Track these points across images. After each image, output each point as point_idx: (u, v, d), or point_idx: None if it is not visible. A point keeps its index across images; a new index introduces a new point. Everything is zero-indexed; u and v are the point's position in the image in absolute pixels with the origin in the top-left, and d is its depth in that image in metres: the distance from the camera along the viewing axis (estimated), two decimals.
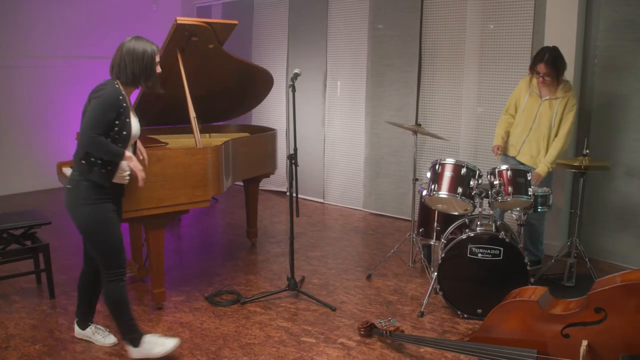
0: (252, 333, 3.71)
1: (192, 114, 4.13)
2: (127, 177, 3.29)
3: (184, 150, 3.90)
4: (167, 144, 4.22)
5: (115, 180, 3.21)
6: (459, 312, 3.94)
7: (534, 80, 4.50)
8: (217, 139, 4.92)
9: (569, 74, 4.91)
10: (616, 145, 4.93)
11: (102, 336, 3.53)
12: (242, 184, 5.34)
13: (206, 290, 4.38)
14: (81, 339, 3.58)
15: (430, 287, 4.07)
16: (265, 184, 7.19)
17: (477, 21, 5.59)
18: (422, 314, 3.97)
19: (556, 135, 4.47)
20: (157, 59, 3.26)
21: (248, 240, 5.54)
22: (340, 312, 4.04)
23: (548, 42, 5.01)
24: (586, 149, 4.26)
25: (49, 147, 7.62)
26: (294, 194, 4.10)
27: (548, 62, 4.30)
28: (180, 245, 5.62)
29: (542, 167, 4.44)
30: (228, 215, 6.70)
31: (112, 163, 3.14)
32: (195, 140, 4.09)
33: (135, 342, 3.30)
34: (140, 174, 3.27)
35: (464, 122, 5.80)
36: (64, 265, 4.86)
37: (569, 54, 4.90)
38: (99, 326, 3.59)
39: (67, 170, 4.79)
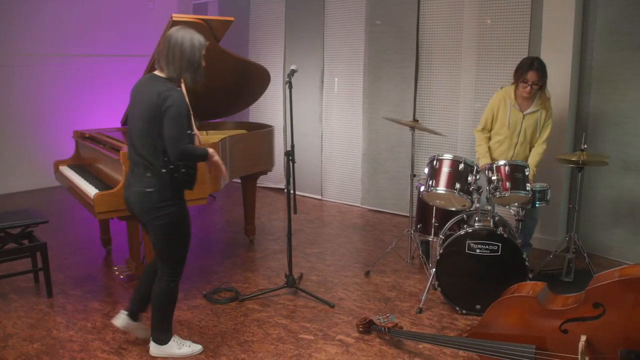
0: (251, 330, 3.70)
1: (189, 111, 4.10)
2: None
3: None
4: None
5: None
6: (457, 308, 3.94)
7: (512, 95, 4.42)
8: (214, 136, 4.90)
9: (567, 68, 4.91)
10: (613, 140, 4.92)
11: (178, 347, 3.42)
12: (239, 181, 5.32)
13: (204, 288, 4.37)
14: (78, 339, 3.57)
15: (429, 283, 4.06)
16: (263, 181, 7.17)
17: (475, 16, 5.58)
18: (420, 310, 3.97)
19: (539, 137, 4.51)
20: (204, 51, 3.14)
21: (246, 238, 5.53)
22: (338, 308, 4.04)
23: (545, 37, 5.01)
24: (584, 144, 4.25)
25: (46, 146, 7.59)
26: (292, 191, 4.09)
27: (538, 69, 4.24)
28: None
29: (530, 173, 4.31)
30: (226, 213, 6.69)
31: (194, 167, 3.21)
32: None
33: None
34: (223, 167, 3.29)
35: (462, 117, 5.79)
36: (62, 264, 4.85)
37: (567, 50, 4.90)
38: (178, 339, 3.48)
39: (64, 169, 4.80)
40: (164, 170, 3.08)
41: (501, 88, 4.56)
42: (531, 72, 4.22)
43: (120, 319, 3.45)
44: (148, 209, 3.13)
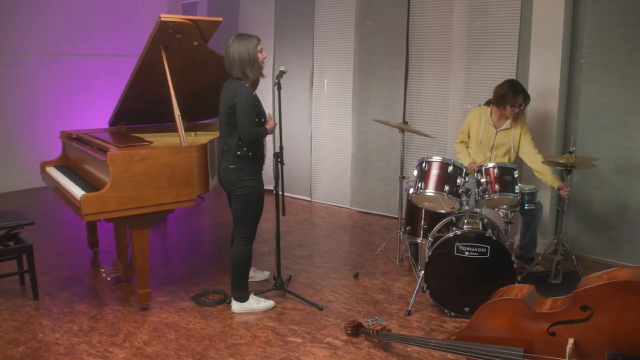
0: (238, 333, 3.68)
1: (177, 112, 4.09)
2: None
3: (168, 149, 3.87)
4: (151, 142, 4.17)
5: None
6: (446, 311, 3.93)
7: (487, 113, 4.67)
8: (203, 137, 4.87)
9: (556, 71, 4.93)
10: (604, 143, 4.94)
11: (260, 273, 4.52)
12: None
13: (192, 290, 4.34)
14: (64, 342, 3.54)
15: (417, 286, 4.06)
16: None
17: (464, 18, 5.59)
18: (409, 313, 3.96)
19: (517, 151, 4.68)
20: (259, 47, 3.85)
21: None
22: (327, 311, 4.02)
23: (535, 40, 5.03)
24: (572, 147, 4.26)
25: (33, 146, 7.53)
26: (280, 192, 4.08)
27: (524, 92, 4.52)
28: (166, 245, 5.58)
29: (550, 178, 4.53)
30: (214, 214, 6.66)
31: (261, 149, 3.97)
32: (180, 139, 4.05)
33: (244, 299, 3.99)
34: (272, 122, 3.99)
35: (451, 119, 5.79)
36: (48, 266, 4.80)
37: (556, 52, 4.92)
38: (253, 267, 4.43)
39: (51, 170, 4.76)
40: (239, 153, 3.81)
41: (478, 106, 4.82)
42: (520, 96, 4.48)
43: (254, 295, 4.10)
44: (231, 181, 3.87)
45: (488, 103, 4.74)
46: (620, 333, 2.56)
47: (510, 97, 4.46)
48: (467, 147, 4.86)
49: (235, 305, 3.98)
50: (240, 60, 3.78)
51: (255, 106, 3.80)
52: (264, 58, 3.89)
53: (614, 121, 4.87)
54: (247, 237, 3.97)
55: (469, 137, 4.81)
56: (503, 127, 4.63)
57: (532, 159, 4.59)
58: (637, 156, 4.76)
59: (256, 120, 3.80)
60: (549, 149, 5.03)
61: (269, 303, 4.05)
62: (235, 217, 3.97)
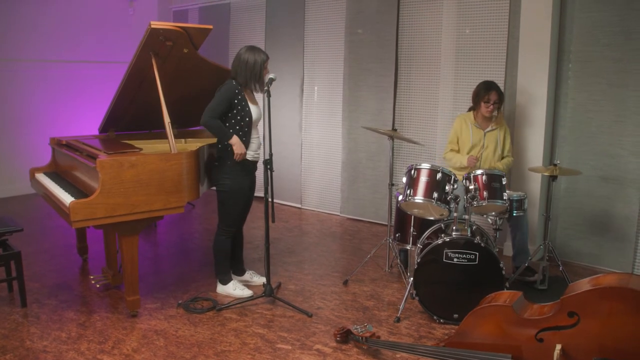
0: (228, 340, 3.68)
1: (167, 119, 4.10)
2: (257, 156, 4.28)
3: (158, 156, 3.87)
4: (141, 149, 4.17)
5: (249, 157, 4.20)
6: (435, 317, 3.94)
7: (471, 117, 4.76)
8: (193, 144, 4.88)
9: (544, 79, 4.97)
10: (591, 150, 4.98)
11: (258, 277, 4.64)
12: None
13: (182, 297, 4.34)
14: (52, 350, 3.52)
15: (407, 292, 4.07)
16: None
17: (453, 26, 5.63)
18: (398, 320, 3.97)
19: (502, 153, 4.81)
20: (267, 64, 4.13)
21: None
22: (316, 318, 4.03)
23: (523, 48, 5.08)
24: (557, 160, 4.39)
25: (22, 153, 7.50)
26: (270, 199, 4.09)
27: (497, 89, 4.62)
28: (156, 251, 5.57)
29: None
30: (205, 221, 6.65)
31: (226, 147, 4.10)
32: (170, 146, 4.05)
33: (225, 282, 4.37)
34: (240, 151, 4.12)
35: (440, 126, 5.82)
36: (37, 272, 4.78)
37: (544, 60, 4.96)
38: (251, 271, 4.69)
39: (40, 176, 4.74)
40: (220, 151, 4.14)
41: (461, 114, 4.93)
42: (492, 92, 4.61)
43: (237, 281, 4.45)
44: (213, 178, 4.27)
45: (470, 109, 4.84)
46: (606, 339, 2.59)
47: (482, 93, 4.61)
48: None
49: (218, 287, 4.42)
50: (247, 67, 4.04)
51: (224, 101, 4.04)
52: (265, 74, 4.10)
53: (600, 128, 4.91)
54: (225, 230, 4.28)
55: (458, 145, 4.85)
56: (489, 128, 4.72)
57: (503, 159, 4.78)
58: (623, 163, 4.81)
59: (233, 120, 4.08)
60: (536, 156, 5.08)
61: (245, 292, 4.34)
62: (217, 210, 4.32)
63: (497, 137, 4.72)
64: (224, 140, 4.06)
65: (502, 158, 4.78)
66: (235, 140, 4.05)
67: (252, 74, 4.06)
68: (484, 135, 4.71)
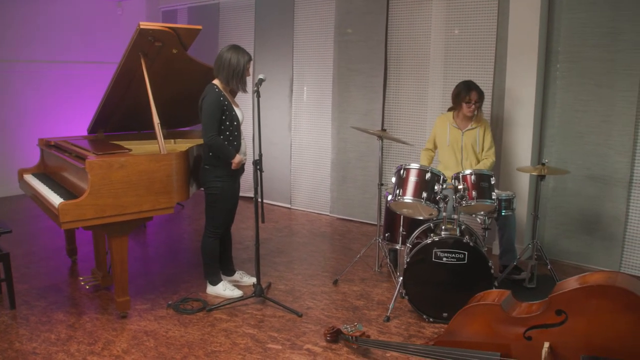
0: (218, 340, 3.68)
1: (156, 119, 4.09)
2: (245, 158, 4.29)
3: (147, 157, 3.86)
4: (130, 150, 4.16)
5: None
6: (424, 316, 3.96)
7: (450, 118, 4.83)
8: (182, 145, 4.87)
9: (532, 79, 5.00)
10: (579, 149, 5.02)
11: (248, 278, 4.64)
12: None
13: (171, 298, 4.33)
14: (41, 352, 3.51)
15: (396, 292, 4.09)
16: None
17: (442, 26, 5.66)
18: (388, 319, 3.99)
19: (482, 151, 4.85)
20: (249, 66, 4.11)
21: None
22: (306, 318, 4.04)
23: (511, 48, 5.11)
24: (545, 159, 4.40)
25: (10, 153, 7.45)
26: (259, 200, 4.10)
27: (477, 89, 4.66)
28: (146, 252, 5.55)
29: None
30: (194, 222, 6.64)
31: (218, 157, 4.10)
32: (159, 147, 4.04)
33: (214, 283, 4.38)
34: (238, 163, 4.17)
35: (429, 127, 5.84)
36: (26, 274, 4.76)
37: (532, 60, 5.00)
38: (241, 271, 4.70)
39: (29, 177, 4.72)
40: (210, 154, 4.09)
41: (441, 114, 4.98)
42: (472, 92, 4.64)
43: (227, 282, 4.45)
44: (203, 180, 4.21)
45: (451, 109, 4.88)
46: (594, 336, 2.61)
47: (463, 94, 4.65)
48: (432, 154, 5.05)
49: (208, 287, 4.43)
50: (229, 66, 4.02)
51: (216, 112, 4.01)
52: (247, 76, 4.13)
53: (588, 128, 4.95)
54: (212, 231, 4.27)
55: (434, 144, 4.97)
56: (468, 127, 4.77)
57: (483, 156, 4.82)
58: (611, 163, 4.85)
59: (223, 126, 4.06)
60: (525, 156, 5.11)
61: (235, 292, 4.35)
62: (205, 212, 4.29)
63: (477, 134, 4.77)
64: (228, 160, 4.08)
65: (484, 152, 4.81)
66: (237, 160, 4.11)
67: (235, 74, 4.05)
68: (462, 135, 4.76)
